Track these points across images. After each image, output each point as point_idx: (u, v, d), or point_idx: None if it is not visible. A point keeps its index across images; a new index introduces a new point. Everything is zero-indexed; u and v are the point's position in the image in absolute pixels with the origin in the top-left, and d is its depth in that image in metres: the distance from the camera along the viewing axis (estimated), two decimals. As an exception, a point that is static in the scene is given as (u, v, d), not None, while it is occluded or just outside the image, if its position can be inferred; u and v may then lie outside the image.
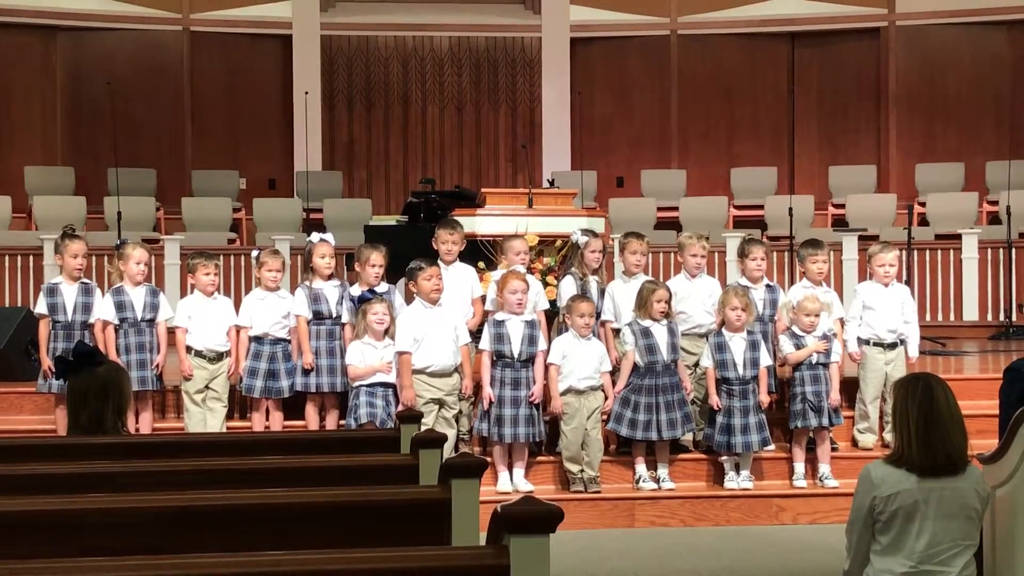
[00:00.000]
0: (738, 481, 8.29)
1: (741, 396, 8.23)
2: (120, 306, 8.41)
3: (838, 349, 8.50)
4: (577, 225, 9.00)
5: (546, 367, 8.17)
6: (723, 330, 8.36)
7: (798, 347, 8.38)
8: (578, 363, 8.17)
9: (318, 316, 8.45)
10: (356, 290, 8.44)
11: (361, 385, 8.11)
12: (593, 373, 8.21)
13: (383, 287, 8.55)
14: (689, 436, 8.50)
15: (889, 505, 4.60)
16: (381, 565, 3.28)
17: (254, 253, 8.89)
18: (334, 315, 8.43)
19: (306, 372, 8.40)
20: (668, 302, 8.29)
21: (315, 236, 8.71)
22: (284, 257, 8.97)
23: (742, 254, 8.91)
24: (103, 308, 8.44)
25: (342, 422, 8.35)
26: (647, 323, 8.24)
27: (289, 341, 8.51)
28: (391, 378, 8.13)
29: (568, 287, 8.65)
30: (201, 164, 16.53)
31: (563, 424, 8.16)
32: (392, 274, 8.88)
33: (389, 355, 8.13)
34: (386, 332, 8.15)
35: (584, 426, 8.14)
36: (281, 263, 8.68)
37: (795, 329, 8.44)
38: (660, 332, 8.23)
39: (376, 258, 8.47)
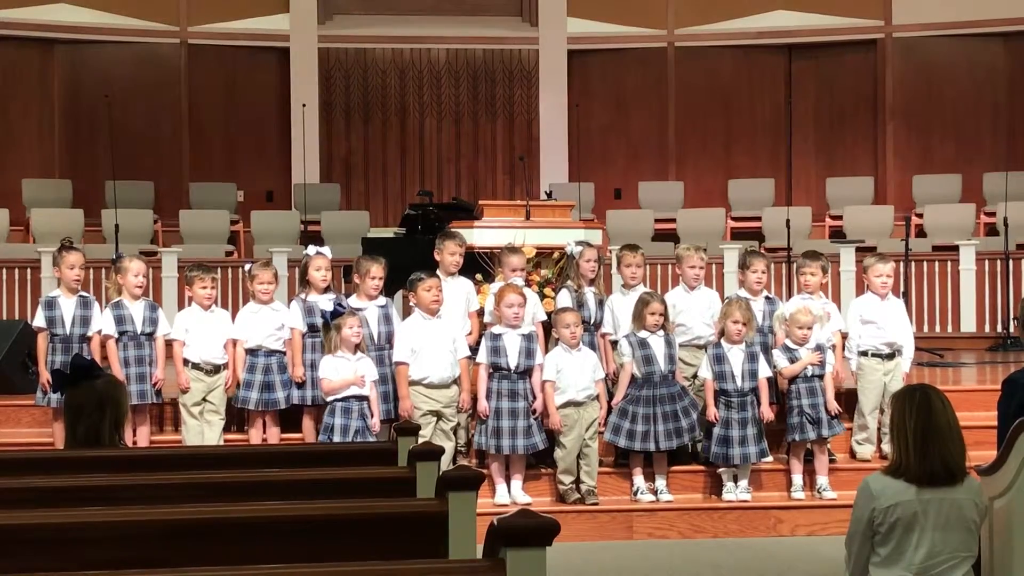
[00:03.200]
0: (736, 493, 8.28)
1: (739, 408, 8.22)
2: (120, 320, 8.41)
3: (831, 359, 8.50)
4: (574, 237, 9.00)
5: (542, 383, 8.17)
6: (722, 342, 8.35)
7: (792, 360, 8.38)
8: (573, 376, 8.17)
9: (312, 329, 8.43)
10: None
11: (336, 400, 8.05)
12: (589, 383, 8.21)
13: (382, 300, 8.55)
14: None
15: (888, 516, 4.60)
16: (378, 578, 3.29)
17: (246, 266, 8.88)
18: (330, 328, 8.40)
19: (300, 385, 8.39)
20: (663, 315, 8.29)
21: (311, 249, 8.71)
22: (275, 268, 8.94)
23: (743, 266, 8.90)
24: (103, 322, 8.44)
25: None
26: (644, 334, 8.25)
27: (284, 353, 8.50)
28: (366, 391, 8.09)
29: (563, 300, 8.64)
30: (199, 176, 16.51)
31: (561, 436, 8.16)
32: (389, 286, 8.86)
33: (362, 368, 8.10)
34: (357, 346, 8.13)
35: (582, 437, 8.15)
36: (272, 275, 8.64)
37: (788, 343, 8.44)
38: (657, 343, 8.24)
39: (376, 270, 8.46)
